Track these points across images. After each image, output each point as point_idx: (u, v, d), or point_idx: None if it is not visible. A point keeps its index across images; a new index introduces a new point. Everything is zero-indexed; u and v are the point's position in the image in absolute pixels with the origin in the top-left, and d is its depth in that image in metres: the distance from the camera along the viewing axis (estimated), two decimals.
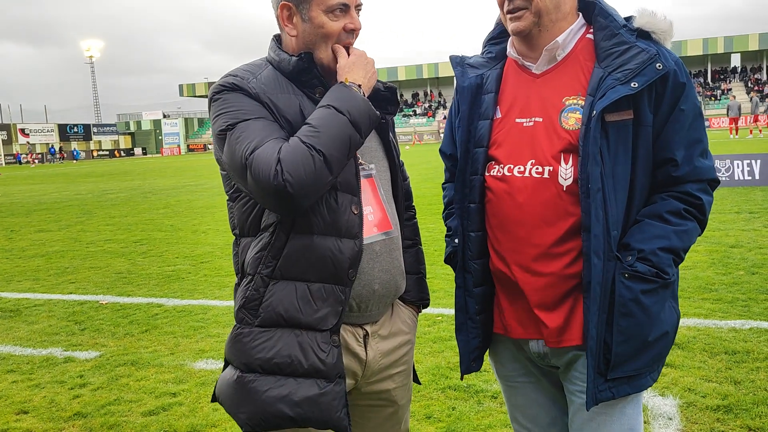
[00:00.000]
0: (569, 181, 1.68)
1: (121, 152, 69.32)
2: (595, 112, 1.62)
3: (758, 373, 3.66)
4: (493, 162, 1.80)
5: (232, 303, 5.86)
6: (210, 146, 69.26)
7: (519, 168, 1.74)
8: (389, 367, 1.89)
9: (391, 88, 1.88)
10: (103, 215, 13.17)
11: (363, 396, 1.88)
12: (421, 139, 56.76)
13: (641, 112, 1.65)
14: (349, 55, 1.75)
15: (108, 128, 77.93)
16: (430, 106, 65.54)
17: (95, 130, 74.78)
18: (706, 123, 41.05)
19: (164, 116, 77.01)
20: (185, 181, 22.05)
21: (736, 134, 31.28)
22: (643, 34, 1.71)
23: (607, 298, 1.66)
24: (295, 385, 1.65)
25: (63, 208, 14.96)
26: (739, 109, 31.31)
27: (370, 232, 1.77)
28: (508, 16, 1.76)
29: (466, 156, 1.85)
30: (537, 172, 1.71)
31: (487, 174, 1.82)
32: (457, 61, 1.94)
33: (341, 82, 1.68)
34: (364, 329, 1.81)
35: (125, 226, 11.39)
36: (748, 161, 12.20)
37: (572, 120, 1.69)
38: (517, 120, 1.78)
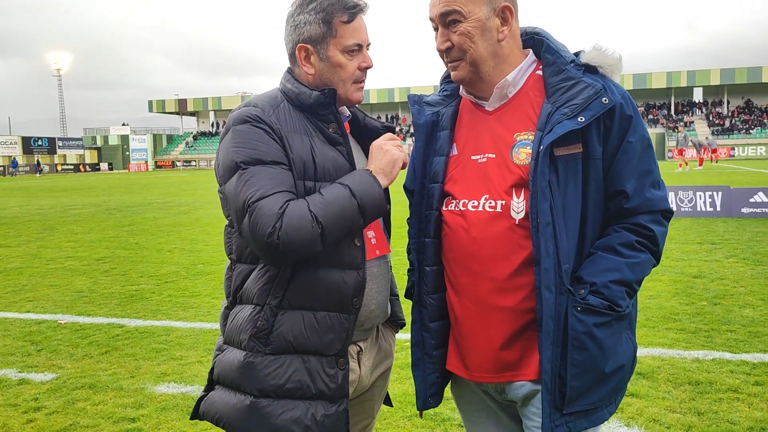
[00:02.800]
0: (521, 215, 1.69)
1: (87, 167, 67.99)
2: (542, 147, 1.65)
3: (721, 404, 3.70)
4: (450, 197, 1.83)
5: (196, 324, 5.72)
6: (179, 163, 68.47)
7: (473, 203, 1.76)
8: (375, 381, 2.00)
9: (389, 126, 1.98)
10: (65, 231, 12.85)
11: (349, 408, 1.94)
12: None
13: (590, 145, 1.68)
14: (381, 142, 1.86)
15: (73, 142, 76.48)
16: (401, 130, 66.02)
17: (60, 144, 73.24)
18: (670, 154, 42.12)
19: (132, 132, 75.98)
20: (152, 198, 21.71)
21: (700, 165, 32.12)
22: (591, 69, 1.74)
23: (560, 331, 1.66)
24: (305, 408, 1.75)
25: (23, 223, 14.57)
26: (687, 140, 32.26)
27: (373, 255, 1.87)
28: (448, 65, 1.82)
29: (421, 192, 1.89)
30: (490, 207, 1.73)
31: (444, 209, 1.84)
32: (415, 100, 1.98)
33: (368, 170, 1.79)
34: (358, 346, 1.91)
35: (88, 243, 11.13)
36: (710, 193, 12.51)
37: (523, 155, 1.72)
38: (472, 157, 1.81)
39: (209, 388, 1.88)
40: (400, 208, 2.03)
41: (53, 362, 4.77)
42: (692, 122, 57.64)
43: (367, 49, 1.88)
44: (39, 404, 3.96)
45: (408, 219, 2.08)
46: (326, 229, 1.65)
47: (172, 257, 9.36)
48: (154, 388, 4.19)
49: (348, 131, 1.94)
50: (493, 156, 1.77)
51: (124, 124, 79.17)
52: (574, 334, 1.64)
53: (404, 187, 2.05)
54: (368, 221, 1.76)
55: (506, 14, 1.76)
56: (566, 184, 1.67)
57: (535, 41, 1.86)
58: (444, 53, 1.79)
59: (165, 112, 75.41)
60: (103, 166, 70.46)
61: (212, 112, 76.23)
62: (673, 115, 60.33)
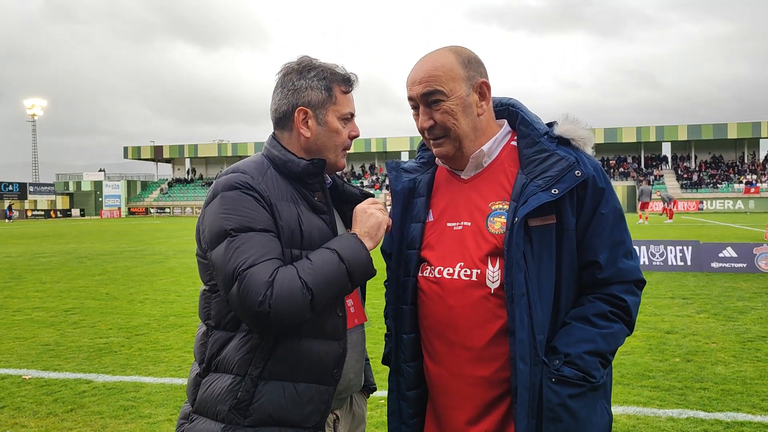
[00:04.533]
0: (496, 284, 1.71)
1: (58, 213, 67.03)
2: (517, 218, 1.67)
3: None
4: (426, 263, 1.84)
5: (166, 380, 5.56)
6: (153, 210, 67.87)
7: (448, 270, 1.78)
8: None
9: (367, 194, 2.01)
10: (33, 280, 12.56)
11: None
12: None
13: (564, 216, 1.71)
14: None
15: (45, 188, 75.54)
16: (377, 179, 66.53)
17: (31, 189, 72.27)
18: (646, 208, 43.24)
19: (106, 178, 75.25)
20: (124, 246, 21.40)
21: (670, 219, 32.73)
22: (564, 141, 1.79)
23: (535, 402, 1.66)
24: None
25: None
26: (650, 194, 32.71)
27: (352, 324, 1.87)
28: (432, 142, 1.85)
29: (399, 258, 1.90)
30: (465, 275, 1.75)
31: (420, 275, 1.85)
32: (393, 166, 2.02)
33: (354, 233, 1.80)
34: (335, 414, 1.91)
35: (56, 293, 10.88)
36: (681, 247, 12.72)
37: (498, 224, 1.74)
38: (448, 224, 1.84)
39: None
40: (376, 259, 2.03)
41: (16, 420, 4.60)
42: (662, 176, 58.99)
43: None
44: None
45: (385, 282, 2.09)
46: (316, 296, 1.65)
47: (144, 308, 9.18)
48: None
49: None
50: (469, 224, 1.80)
51: (101, 170, 78.23)
52: (549, 405, 1.64)
53: (381, 249, 2.06)
54: (356, 285, 1.76)
55: (484, 90, 1.82)
56: (540, 254, 1.69)
57: (510, 112, 1.91)
58: (427, 131, 1.82)
59: (140, 159, 75.04)
60: (75, 212, 69.48)
61: (188, 159, 76.09)
62: (643, 168, 61.73)
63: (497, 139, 1.86)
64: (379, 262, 2.02)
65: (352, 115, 1.93)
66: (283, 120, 1.89)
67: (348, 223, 1.97)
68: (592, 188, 1.73)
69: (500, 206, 1.76)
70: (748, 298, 9.25)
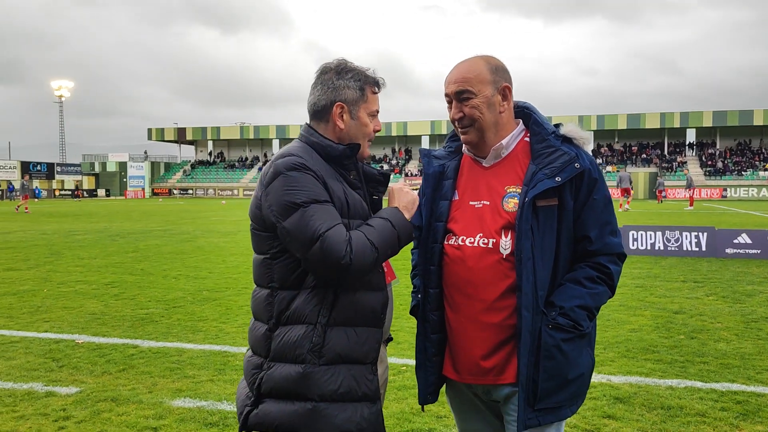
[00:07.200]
0: (508, 251, 2.15)
1: (84, 193, 68.51)
2: (527, 199, 2.12)
3: (689, 427, 4.09)
4: (451, 234, 2.28)
5: (206, 346, 6.12)
6: (176, 191, 68.95)
7: (470, 239, 2.22)
8: (381, 385, 2.32)
9: (385, 174, 2.38)
10: (72, 256, 13.22)
11: None
12: None
13: (564, 199, 2.16)
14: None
15: (72, 168, 77.11)
16: (398, 163, 66.87)
17: (59, 170, 73.89)
18: (664, 194, 43.10)
19: (130, 159, 76.53)
20: (152, 226, 22.10)
21: (690, 206, 32.69)
22: (567, 140, 2.24)
23: (535, 344, 2.10)
24: (353, 409, 2.08)
25: (29, 248, 14.94)
26: (630, 180, 31.67)
27: (386, 281, 2.25)
28: (459, 129, 2.29)
29: (428, 229, 2.34)
30: (483, 243, 2.19)
31: (445, 243, 2.29)
32: (425, 153, 2.47)
33: (396, 207, 2.19)
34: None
35: (95, 268, 11.50)
36: (696, 233, 12.97)
37: (511, 204, 2.19)
38: (470, 202, 2.28)
39: (256, 402, 2.11)
40: None
41: (75, 377, 5.13)
42: (685, 162, 58.54)
43: None
44: (68, 413, 4.33)
45: (412, 250, 2.53)
46: (380, 253, 2.05)
47: (178, 284, 9.73)
48: (172, 402, 4.55)
49: None
50: (488, 203, 2.23)
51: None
52: (545, 346, 2.09)
53: (410, 222, 2.49)
54: (401, 247, 2.16)
55: (506, 92, 2.26)
56: (544, 228, 2.13)
57: (525, 114, 2.35)
58: (457, 121, 2.26)
59: (164, 140, 76.11)
60: (101, 192, 70.90)
61: (211, 142, 77.00)
62: (667, 155, 61.28)
63: (514, 135, 2.30)
64: None
65: (377, 112, 2.28)
66: (321, 113, 2.22)
67: (369, 198, 2.30)
68: (588, 178, 2.17)
69: (514, 190, 2.20)
70: (758, 282, 9.55)
